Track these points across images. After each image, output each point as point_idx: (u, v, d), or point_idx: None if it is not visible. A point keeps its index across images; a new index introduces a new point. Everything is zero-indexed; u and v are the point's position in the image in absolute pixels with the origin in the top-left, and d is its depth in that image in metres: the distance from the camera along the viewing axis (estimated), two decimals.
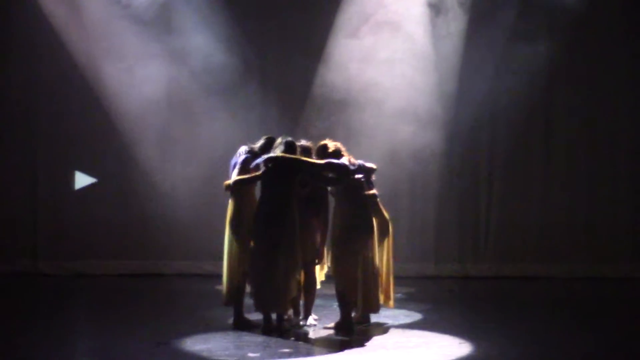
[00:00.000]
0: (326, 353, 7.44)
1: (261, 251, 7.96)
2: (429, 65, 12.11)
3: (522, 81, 12.18)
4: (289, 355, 7.26)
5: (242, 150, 8.38)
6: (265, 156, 8.11)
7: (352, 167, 8.16)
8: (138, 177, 12.08)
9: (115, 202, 12.26)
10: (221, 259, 8.32)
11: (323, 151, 8.32)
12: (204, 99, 12.04)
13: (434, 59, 12.09)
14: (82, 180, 12.29)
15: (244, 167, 8.21)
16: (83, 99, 12.11)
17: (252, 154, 8.28)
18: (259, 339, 7.80)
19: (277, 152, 8.11)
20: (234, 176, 8.20)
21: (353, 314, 8.20)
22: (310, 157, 8.34)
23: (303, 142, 8.53)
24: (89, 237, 12.23)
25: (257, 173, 8.16)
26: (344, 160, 8.19)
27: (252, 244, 8.03)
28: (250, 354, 7.27)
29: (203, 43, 11.93)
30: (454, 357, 7.23)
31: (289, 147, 8.12)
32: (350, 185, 8.13)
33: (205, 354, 7.29)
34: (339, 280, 8.07)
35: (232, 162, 8.34)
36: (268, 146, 8.34)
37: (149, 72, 11.93)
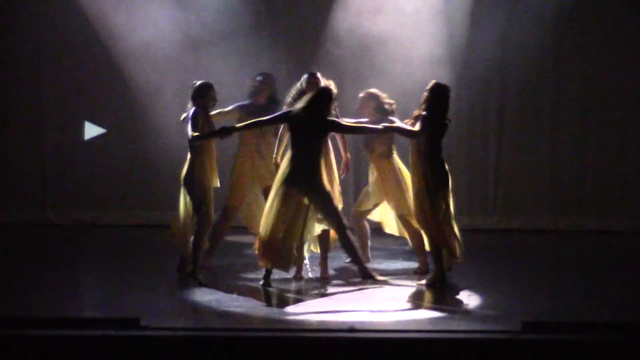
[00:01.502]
0: (331, 304, 7.49)
1: (283, 211, 7.87)
2: (439, 16, 11.98)
3: (532, 34, 12.06)
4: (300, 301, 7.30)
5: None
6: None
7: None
8: (147, 127, 12.03)
9: (124, 153, 12.25)
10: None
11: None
12: (214, 44, 11.94)
13: (444, 9, 11.97)
14: (90, 130, 12.26)
15: (195, 121, 8.10)
16: (91, 48, 12.04)
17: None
18: (264, 290, 7.82)
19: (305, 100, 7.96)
20: (190, 130, 8.07)
21: None
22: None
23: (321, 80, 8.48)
24: (98, 188, 12.25)
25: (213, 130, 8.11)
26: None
27: (272, 200, 7.92)
28: (259, 303, 7.30)
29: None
30: (462, 308, 7.24)
31: (323, 95, 8.00)
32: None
33: (214, 304, 7.32)
34: (434, 232, 8.00)
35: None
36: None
37: (157, 17, 11.83)
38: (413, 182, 8.10)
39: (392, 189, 8.76)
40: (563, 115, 12.44)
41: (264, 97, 9.01)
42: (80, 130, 12.30)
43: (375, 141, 8.79)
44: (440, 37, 11.92)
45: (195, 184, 8.08)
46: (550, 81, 12.43)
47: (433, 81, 8.22)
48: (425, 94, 8.10)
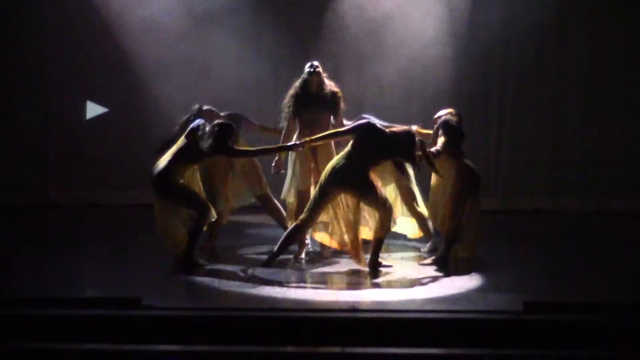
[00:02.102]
0: (333, 284, 7.50)
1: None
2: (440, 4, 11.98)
3: (534, 12, 12.03)
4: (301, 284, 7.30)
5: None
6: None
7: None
8: (150, 107, 12.02)
9: (126, 132, 12.24)
10: None
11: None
12: (217, 22, 11.91)
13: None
14: (93, 110, 12.25)
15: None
16: (94, 26, 12.01)
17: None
18: (268, 270, 7.83)
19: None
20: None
21: None
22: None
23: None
24: (100, 168, 12.25)
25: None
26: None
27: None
28: (261, 283, 7.31)
29: None
30: (464, 289, 7.25)
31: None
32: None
33: (216, 284, 7.33)
34: (455, 222, 8.14)
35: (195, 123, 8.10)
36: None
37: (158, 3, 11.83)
38: (447, 188, 8.25)
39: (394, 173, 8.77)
40: (565, 96, 12.43)
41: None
42: (83, 110, 12.30)
43: None
44: (442, 15, 11.89)
45: (173, 183, 7.94)
46: (553, 61, 12.42)
47: (443, 118, 8.32)
48: (438, 129, 8.30)
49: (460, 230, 8.22)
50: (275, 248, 7.99)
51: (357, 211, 8.00)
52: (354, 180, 7.88)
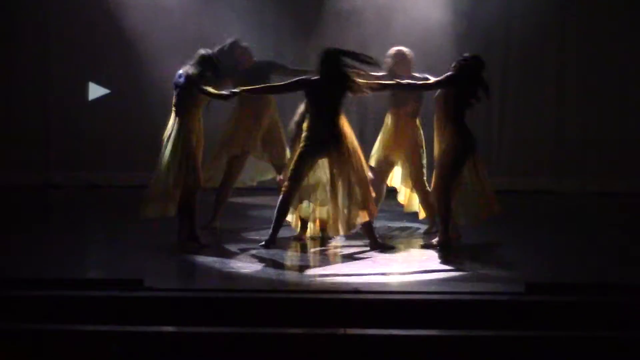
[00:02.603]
0: (335, 265, 7.50)
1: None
2: None
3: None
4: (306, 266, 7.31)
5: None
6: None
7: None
8: (151, 88, 11.97)
9: (128, 113, 12.22)
10: None
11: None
12: (217, 4, 11.87)
13: None
14: (94, 91, 12.22)
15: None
16: (96, 6, 11.96)
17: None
18: (270, 251, 7.83)
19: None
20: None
21: None
22: None
23: None
24: (101, 149, 12.23)
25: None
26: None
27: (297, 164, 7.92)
28: (263, 264, 7.31)
29: None
30: (465, 270, 7.26)
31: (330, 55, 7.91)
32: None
33: (217, 265, 7.34)
34: (443, 196, 8.03)
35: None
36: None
37: None
38: (438, 150, 8.12)
39: (409, 146, 8.74)
40: (566, 77, 12.40)
41: (247, 62, 8.90)
42: (84, 91, 12.27)
43: (409, 99, 8.75)
44: (444, 3, 11.85)
45: (181, 149, 7.93)
46: (555, 40, 12.38)
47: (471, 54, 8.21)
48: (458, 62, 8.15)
49: (454, 204, 8.06)
50: (272, 226, 7.96)
51: (335, 181, 7.93)
52: (330, 142, 7.82)
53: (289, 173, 7.98)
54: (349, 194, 7.86)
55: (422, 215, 8.91)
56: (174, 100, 8.05)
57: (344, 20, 12.02)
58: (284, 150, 8.87)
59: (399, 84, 8.15)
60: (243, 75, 8.67)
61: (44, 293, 6.30)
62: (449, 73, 8.07)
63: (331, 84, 7.85)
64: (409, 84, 8.22)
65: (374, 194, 8.05)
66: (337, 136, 7.84)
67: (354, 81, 7.82)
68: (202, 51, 8.12)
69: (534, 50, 12.34)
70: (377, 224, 9.01)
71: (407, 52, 8.84)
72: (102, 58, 12.22)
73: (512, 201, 11.57)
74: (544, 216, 10.55)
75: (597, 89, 12.36)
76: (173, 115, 8.03)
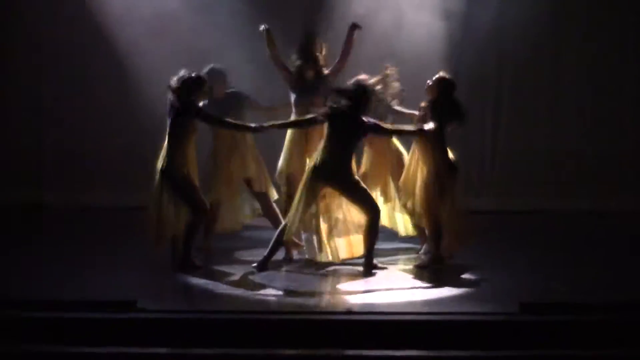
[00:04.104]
0: (328, 286, 7.49)
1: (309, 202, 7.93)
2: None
3: (530, 9, 12.03)
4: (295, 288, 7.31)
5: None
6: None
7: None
8: (146, 108, 11.97)
9: (122, 134, 12.20)
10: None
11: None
12: (208, 28, 11.89)
13: None
14: (89, 111, 12.24)
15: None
16: (90, 25, 11.96)
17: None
18: (263, 273, 7.82)
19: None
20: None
21: None
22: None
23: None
24: (94, 170, 12.21)
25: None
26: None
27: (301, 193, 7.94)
28: (256, 286, 7.31)
29: None
30: (459, 291, 7.25)
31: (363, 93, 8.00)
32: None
33: (210, 287, 7.32)
34: (433, 216, 8.06)
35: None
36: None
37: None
38: (422, 172, 8.14)
39: (393, 170, 8.76)
40: (560, 95, 12.42)
41: (220, 93, 8.86)
42: (77, 111, 12.28)
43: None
44: (437, 10, 11.87)
45: (179, 176, 7.93)
46: (549, 61, 12.40)
47: (438, 75, 8.24)
48: (431, 86, 8.21)
49: (442, 226, 8.10)
50: (267, 250, 7.98)
51: (337, 209, 8.05)
52: (337, 174, 7.87)
53: (294, 202, 7.98)
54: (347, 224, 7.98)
55: (407, 232, 8.93)
56: (168, 129, 8.00)
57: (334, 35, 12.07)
58: (267, 180, 8.93)
59: (421, 130, 8.11)
60: (214, 104, 8.65)
61: (36, 315, 6.28)
62: (434, 108, 8.11)
63: (358, 117, 7.91)
64: (428, 130, 8.11)
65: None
66: (345, 170, 7.89)
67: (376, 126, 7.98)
68: (183, 73, 8.06)
69: (527, 70, 12.36)
70: None
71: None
72: (96, 79, 12.21)
73: (504, 221, 11.59)
74: (536, 235, 10.54)
75: (591, 106, 12.39)
76: (167, 144, 7.99)
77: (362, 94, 7.95)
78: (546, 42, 12.34)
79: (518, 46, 12.24)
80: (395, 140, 8.83)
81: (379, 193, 8.77)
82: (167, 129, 8.01)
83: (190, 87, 7.97)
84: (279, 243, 8.02)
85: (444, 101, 8.16)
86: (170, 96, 8.05)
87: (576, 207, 12.09)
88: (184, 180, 7.90)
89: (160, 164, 7.98)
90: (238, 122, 8.26)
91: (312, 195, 7.89)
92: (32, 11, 12.16)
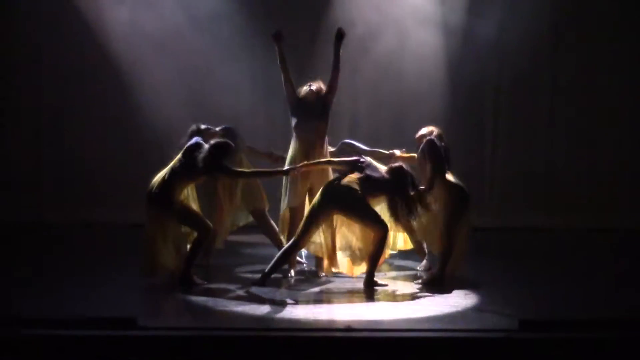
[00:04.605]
0: (328, 303, 7.49)
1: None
2: (432, 13, 12.00)
3: (529, 28, 12.07)
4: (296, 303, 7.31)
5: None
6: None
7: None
8: (146, 125, 12.02)
9: (122, 151, 12.25)
10: None
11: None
12: (209, 46, 11.93)
13: (439, 6, 11.99)
14: (87, 129, 12.28)
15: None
16: (89, 44, 12.02)
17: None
18: (263, 289, 7.82)
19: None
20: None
21: None
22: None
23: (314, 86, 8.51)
24: (95, 187, 12.24)
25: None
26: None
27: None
28: (256, 302, 7.30)
29: None
30: (460, 308, 7.24)
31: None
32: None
33: (210, 304, 7.32)
34: (449, 241, 8.13)
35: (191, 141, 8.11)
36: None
37: (152, 18, 11.82)
38: (440, 205, 8.22)
39: None
40: (559, 113, 12.47)
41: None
42: (78, 129, 12.31)
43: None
44: (436, 30, 11.91)
45: (175, 205, 7.93)
46: (547, 78, 12.46)
47: (427, 139, 8.28)
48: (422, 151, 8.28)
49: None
50: (268, 267, 7.99)
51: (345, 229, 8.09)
52: (348, 200, 7.90)
53: (302, 223, 8.00)
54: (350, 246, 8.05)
55: (406, 246, 8.94)
56: (177, 164, 7.99)
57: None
58: (262, 196, 9.00)
59: (430, 187, 8.16)
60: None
61: (36, 332, 6.27)
62: (430, 152, 8.18)
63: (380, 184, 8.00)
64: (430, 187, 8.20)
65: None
66: (354, 193, 7.92)
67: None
68: (219, 141, 8.03)
69: (525, 87, 12.42)
70: None
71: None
72: (97, 97, 12.27)
73: (504, 238, 11.60)
74: (536, 253, 10.55)
75: (589, 125, 12.43)
76: (169, 171, 7.99)
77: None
78: (544, 64, 12.41)
79: (516, 67, 12.30)
80: None
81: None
82: (174, 165, 7.98)
83: (220, 154, 7.92)
84: (281, 263, 8.03)
85: (435, 155, 8.21)
86: (194, 141, 8.05)
87: (574, 224, 12.11)
88: (180, 204, 7.92)
89: (152, 190, 7.96)
90: (274, 170, 8.40)
91: (320, 216, 7.93)
92: (32, 29, 12.23)
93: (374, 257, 8.00)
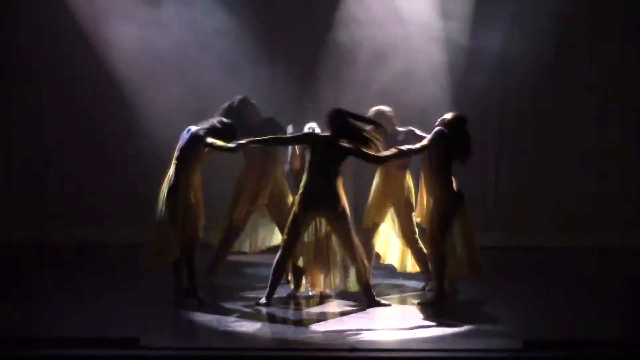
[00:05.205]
0: (332, 323, 7.48)
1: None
2: (437, 32, 12.01)
3: (532, 51, 12.08)
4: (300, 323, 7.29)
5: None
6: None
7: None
8: (149, 145, 11.99)
9: (125, 171, 12.24)
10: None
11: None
12: (211, 68, 11.95)
13: (442, 24, 11.99)
14: (91, 147, 12.29)
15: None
16: (92, 62, 12.01)
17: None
18: (266, 309, 7.81)
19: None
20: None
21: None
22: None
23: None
24: (98, 206, 12.23)
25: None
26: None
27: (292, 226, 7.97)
28: (260, 322, 7.29)
29: (211, 11, 11.83)
30: (463, 328, 7.23)
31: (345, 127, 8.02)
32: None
33: (214, 323, 7.31)
34: (437, 251, 8.05)
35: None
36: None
37: (156, 39, 11.85)
38: (429, 203, 8.17)
39: (399, 200, 8.78)
40: (563, 132, 12.45)
41: (254, 118, 8.99)
42: (80, 149, 12.32)
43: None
44: (440, 48, 11.93)
45: (179, 202, 7.99)
46: (550, 97, 12.44)
47: (438, 129, 8.23)
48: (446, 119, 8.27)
49: (449, 261, 8.06)
50: (268, 287, 7.98)
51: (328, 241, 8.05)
52: (326, 201, 7.89)
53: (285, 232, 8.02)
54: (342, 253, 7.96)
55: (415, 268, 8.93)
56: (175, 154, 8.09)
57: (340, 75, 12.13)
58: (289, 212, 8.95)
59: (400, 151, 8.14)
60: (249, 132, 8.72)
61: (39, 352, 6.26)
62: (434, 133, 8.13)
63: (338, 142, 7.92)
64: (408, 150, 8.19)
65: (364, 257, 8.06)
66: (334, 196, 7.89)
67: (364, 136, 7.95)
68: (215, 121, 8.15)
69: (530, 104, 12.40)
70: (373, 281, 9.01)
71: (386, 110, 8.90)
72: (98, 116, 12.27)
73: (508, 257, 11.58)
74: (540, 272, 10.54)
75: (594, 143, 12.41)
76: (173, 168, 8.07)
77: (336, 116, 7.98)
78: (549, 80, 12.39)
79: (521, 84, 12.29)
80: (408, 177, 8.87)
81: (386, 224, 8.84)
82: (175, 154, 8.09)
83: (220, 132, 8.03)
84: (277, 279, 8.02)
85: (454, 132, 8.16)
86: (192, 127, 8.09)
87: (579, 244, 12.10)
88: (185, 203, 7.96)
89: (165, 185, 8.07)
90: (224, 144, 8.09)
91: (301, 223, 7.91)
92: (34, 50, 12.25)
93: (364, 283, 8.00)
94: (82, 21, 11.99)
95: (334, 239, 8.01)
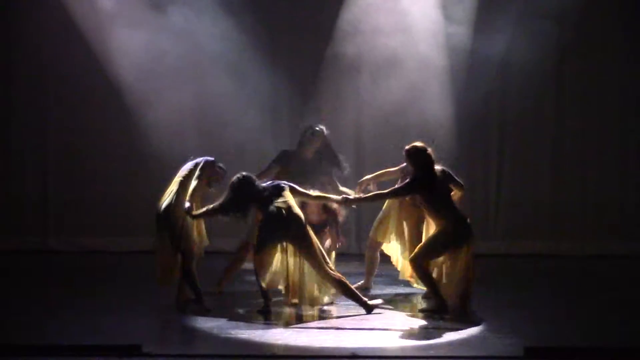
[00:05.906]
0: (332, 330, 7.49)
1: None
2: (439, 38, 12.03)
3: (533, 58, 12.09)
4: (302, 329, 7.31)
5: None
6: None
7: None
8: (150, 153, 12.02)
9: (126, 179, 12.25)
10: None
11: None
12: (214, 75, 11.97)
13: (444, 31, 12.00)
14: (93, 155, 12.30)
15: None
16: (96, 70, 12.04)
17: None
18: (267, 317, 7.82)
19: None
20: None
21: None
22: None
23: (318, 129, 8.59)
24: (100, 214, 12.24)
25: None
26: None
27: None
28: (260, 329, 7.30)
29: (213, 17, 11.86)
30: (464, 334, 7.23)
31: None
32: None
33: (215, 330, 7.31)
34: (419, 272, 8.07)
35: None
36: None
37: (160, 46, 11.87)
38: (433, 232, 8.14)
39: (409, 222, 8.77)
40: (564, 140, 12.46)
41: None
42: (82, 156, 12.33)
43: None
44: (441, 56, 11.94)
45: (175, 219, 8.03)
46: (552, 103, 12.46)
47: (410, 146, 8.20)
48: (406, 159, 8.20)
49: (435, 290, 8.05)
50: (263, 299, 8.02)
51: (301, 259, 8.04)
52: (289, 224, 7.89)
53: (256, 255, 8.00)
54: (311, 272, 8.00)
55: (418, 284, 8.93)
56: (178, 179, 8.10)
57: (341, 81, 12.15)
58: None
59: (378, 195, 8.24)
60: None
61: (41, 359, 6.27)
62: (405, 185, 8.12)
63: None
64: (375, 194, 8.27)
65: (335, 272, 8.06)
66: (298, 220, 7.91)
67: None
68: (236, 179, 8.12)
69: (530, 112, 12.42)
70: (376, 288, 9.04)
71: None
72: (101, 123, 12.28)
73: (510, 264, 11.59)
74: (542, 280, 10.54)
75: (595, 151, 12.42)
76: (175, 187, 8.08)
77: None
78: (550, 89, 12.41)
79: (521, 93, 12.31)
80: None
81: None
82: (183, 174, 8.14)
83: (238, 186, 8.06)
84: (265, 293, 8.00)
85: (421, 165, 8.11)
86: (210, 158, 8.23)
87: (580, 251, 12.10)
88: (178, 223, 7.99)
89: (164, 199, 8.08)
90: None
91: (270, 245, 7.91)
92: (38, 56, 12.27)
93: (347, 293, 8.03)
94: (86, 27, 12.02)
95: (305, 260, 8.01)
